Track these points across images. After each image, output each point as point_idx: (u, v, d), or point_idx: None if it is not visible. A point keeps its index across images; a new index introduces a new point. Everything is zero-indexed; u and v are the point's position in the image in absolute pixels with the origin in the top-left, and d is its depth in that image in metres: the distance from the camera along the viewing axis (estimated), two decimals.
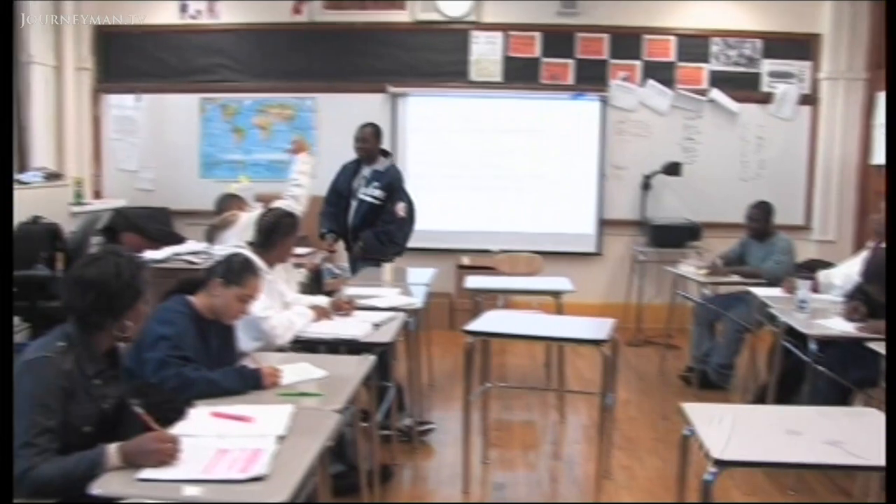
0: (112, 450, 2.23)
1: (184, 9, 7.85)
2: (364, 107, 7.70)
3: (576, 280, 5.72)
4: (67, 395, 2.39)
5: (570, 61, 7.71)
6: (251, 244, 4.20)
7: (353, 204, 6.02)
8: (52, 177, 6.96)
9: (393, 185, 6.03)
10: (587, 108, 7.73)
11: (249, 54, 7.88)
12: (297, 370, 3.18)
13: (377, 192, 5.95)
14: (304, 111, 7.87)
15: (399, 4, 7.73)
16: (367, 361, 3.42)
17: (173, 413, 2.61)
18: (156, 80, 7.91)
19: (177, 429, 2.47)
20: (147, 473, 2.19)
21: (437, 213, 7.79)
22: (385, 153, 6.26)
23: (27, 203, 5.89)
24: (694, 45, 7.67)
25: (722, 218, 7.41)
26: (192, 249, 6.15)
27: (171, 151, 7.98)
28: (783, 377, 4.84)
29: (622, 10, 7.62)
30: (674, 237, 7.38)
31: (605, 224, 7.81)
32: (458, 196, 7.84)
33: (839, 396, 4.31)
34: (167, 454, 2.25)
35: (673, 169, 7.48)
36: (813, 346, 4.22)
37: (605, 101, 7.71)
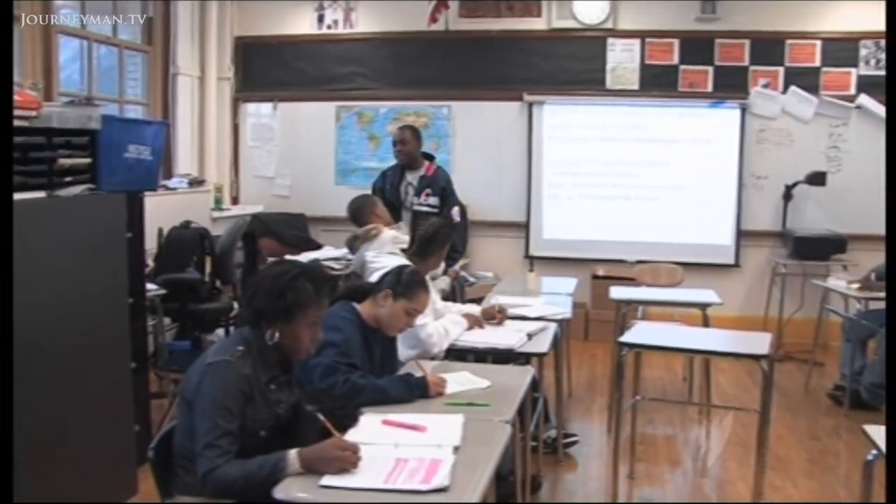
0: (293, 455, 2.26)
1: (321, 19, 8.02)
2: (499, 115, 7.74)
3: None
4: (246, 398, 2.43)
5: (709, 68, 7.51)
6: (405, 251, 4.25)
7: (405, 215, 5.83)
8: (196, 183, 7.20)
9: (446, 190, 5.87)
10: (726, 116, 7.51)
11: (385, 63, 7.98)
12: (459, 379, 3.18)
13: (433, 200, 5.80)
14: (439, 119, 7.91)
15: (534, 12, 7.69)
16: (528, 372, 3.40)
17: (347, 420, 2.63)
18: (293, 88, 8.10)
19: (351, 436, 2.48)
20: (329, 480, 2.21)
21: (570, 222, 7.73)
22: (428, 156, 6.05)
23: (173, 208, 6.10)
24: (841, 48, 7.35)
25: (868, 230, 7.07)
26: (331, 255, 6.26)
27: (307, 158, 8.16)
28: None
29: (764, 14, 7.37)
30: (817, 249, 7.07)
31: (743, 235, 7.56)
32: (593, 205, 7.73)
33: None
34: (348, 462, 2.26)
35: (817, 179, 7.19)
36: None
37: (745, 109, 7.47)
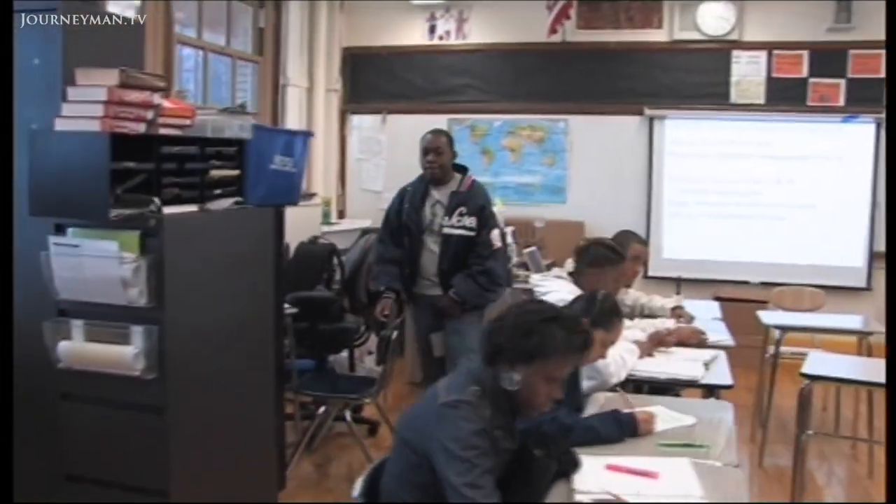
0: None
1: (432, 29, 7.87)
2: (618, 129, 7.51)
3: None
4: (490, 441, 2.23)
5: (841, 81, 7.20)
6: (571, 274, 4.04)
7: (430, 242, 4.64)
8: (306, 196, 7.06)
9: (485, 210, 4.62)
10: (860, 131, 7.19)
11: (498, 75, 7.80)
12: (659, 415, 2.93)
13: (469, 221, 4.55)
14: (555, 133, 7.71)
15: (655, 23, 7.45)
16: (728, 408, 3.14)
17: (570, 465, 2.41)
18: (402, 100, 7.96)
19: (582, 484, 2.27)
20: None
21: (691, 241, 7.46)
22: (461, 168, 4.78)
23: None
24: None
25: None
26: None
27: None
28: None
29: None
30: None
31: (876, 257, 7.22)
32: (715, 224, 7.46)
33: None
34: None
35: None
36: None
37: (880, 124, 7.14)
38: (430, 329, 4.64)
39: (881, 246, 7.19)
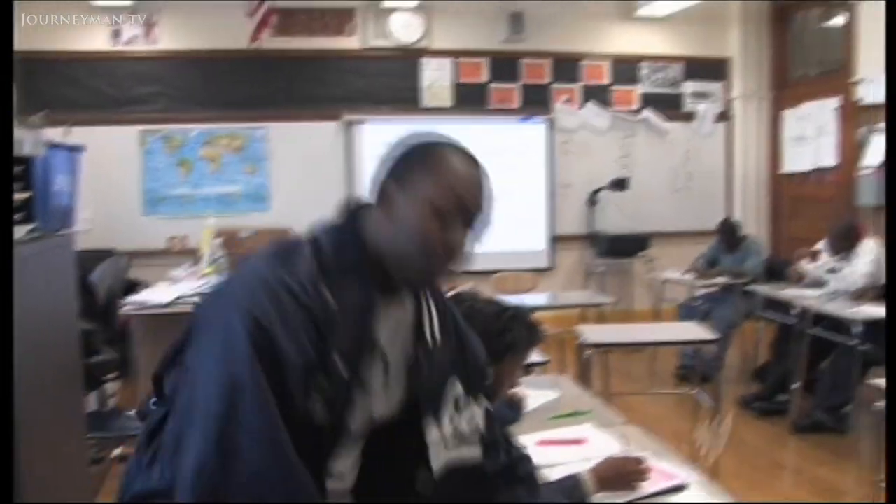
0: (586, 476, 2.13)
1: (116, 35, 7.41)
2: (318, 135, 7.67)
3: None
4: None
5: (515, 86, 8.02)
6: None
7: None
8: None
9: None
10: (534, 130, 8.07)
11: (192, 82, 7.55)
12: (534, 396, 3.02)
13: None
14: (255, 141, 7.65)
15: (349, 31, 7.72)
16: (562, 379, 3.46)
17: None
18: (90, 111, 7.37)
19: None
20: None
21: None
22: None
23: None
24: (626, 69, 8.23)
25: (660, 227, 7.99)
26: (193, 290, 5.84)
27: (110, 188, 7.46)
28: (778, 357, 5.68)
29: (563, 35, 8.05)
30: (625, 247, 7.85)
31: (555, 240, 8.14)
32: None
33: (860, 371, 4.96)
34: (642, 475, 2.17)
35: (620, 184, 7.95)
36: (858, 328, 4.83)
37: (550, 123, 8.07)
38: None
39: (558, 230, 8.14)
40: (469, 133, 7.87)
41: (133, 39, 7.44)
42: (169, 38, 7.49)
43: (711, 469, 3.54)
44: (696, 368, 6.33)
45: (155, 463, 1.42)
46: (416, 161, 1.52)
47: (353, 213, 1.54)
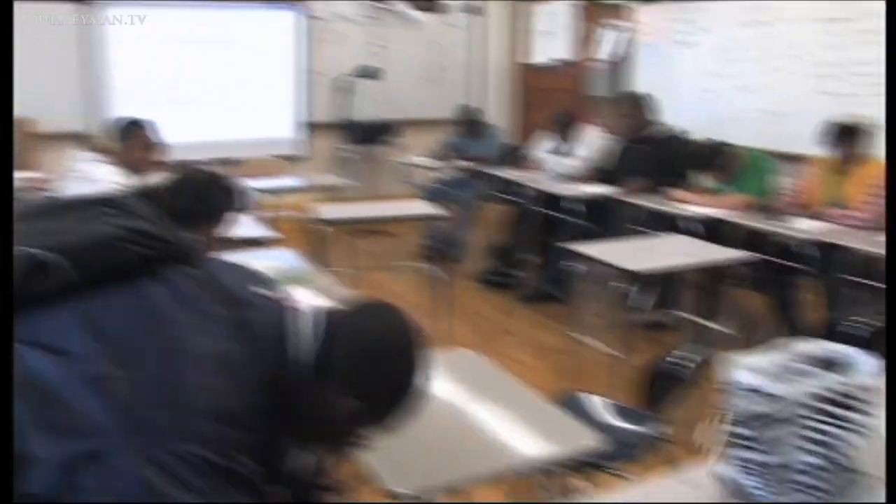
0: None
1: None
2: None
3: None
4: None
5: None
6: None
7: None
8: None
9: None
10: (282, 17, 7.99)
11: None
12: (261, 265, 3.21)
13: None
14: None
15: None
16: (293, 255, 3.65)
17: None
18: None
19: None
20: None
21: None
22: None
23: None
24: None
25: (412, 115, 8.28)
26: None
27: None
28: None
29: None
30: (376, 135, 8.10)
31: (312, 128, 8.22)
32: (166, 110, 7.61)
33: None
34: None
35: (369, 72, 8.10)
36: (580, 206, 5.39)
37: (300, 11, 8.03)
38: None
39: (312, 118, 8.22)
40: (211, 19, 7.78)
41: None
42: None
43: (447, 335, 3.92)
44: (439, 248, 6.75)
45: None
46: None
47: None
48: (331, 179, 6.54)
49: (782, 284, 4.70)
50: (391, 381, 1.36)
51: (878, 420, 1.53)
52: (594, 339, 4.46)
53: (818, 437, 1.48)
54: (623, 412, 2.80)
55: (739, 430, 1.52)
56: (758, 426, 1.50)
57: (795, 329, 4.53)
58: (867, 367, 1.53)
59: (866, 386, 1.50)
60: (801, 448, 1.49)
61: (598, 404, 2.83)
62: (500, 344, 4.97)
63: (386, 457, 1.79)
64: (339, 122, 8.23)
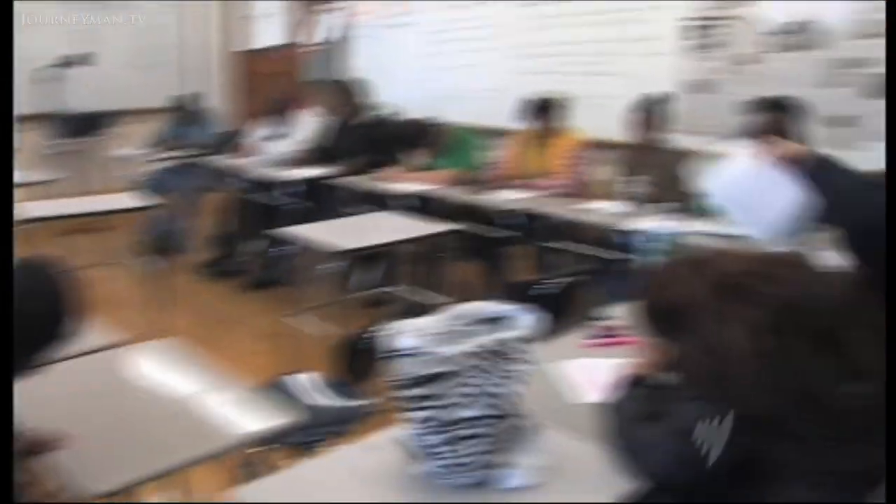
0: None
1: None
2: None
3: None
4: None
5: None
6: None
7: None
8: None
9: None
10: None
11: None
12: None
13: None
14: None
15: None
16: None
17: None
18: None
19: None
20: None
21: None
22: None
23: None
24: None
25: (126, 104, 7.91)
26: None
27: None
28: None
29: None
30: (89, 126, 7.65)
31: (20, 120, 7.62)
32: None
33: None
34: None
35: (77, 60, 7.63)
36: (301, 188, 5.39)
37: None
38: None
39: (20, 111, 7.60)
40: None
41: None
42: None
43: (166, 328, 3.79)
44: (159, 241, 6.50)
45: None
46: None
47: None
48: (41, 175, 6.06)
49: (492, 253, 4.95)
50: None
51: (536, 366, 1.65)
52: (314, 320, 4.48)
53: (481, 389, 1.57)
54: (335, 387, 2.83)
55: (408, 392, 1.58)
56: (425, 386, 1.57)
57: (504, 292, 4.79)
58: (525, 322, 1.64)
59: (523, 337, 1.61)
60: (466, 401, 1.57)
61: (307, 384, 2.84)
62: (222, 332, 4.95)
63: (85, 456, 1.72)
64: (48, 114, 7.68)
